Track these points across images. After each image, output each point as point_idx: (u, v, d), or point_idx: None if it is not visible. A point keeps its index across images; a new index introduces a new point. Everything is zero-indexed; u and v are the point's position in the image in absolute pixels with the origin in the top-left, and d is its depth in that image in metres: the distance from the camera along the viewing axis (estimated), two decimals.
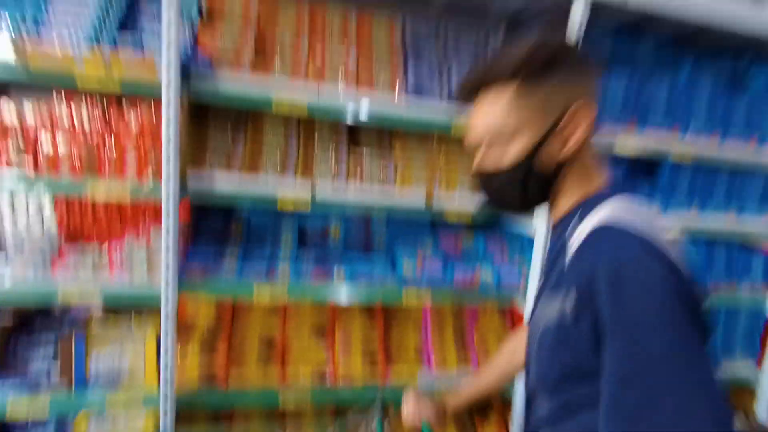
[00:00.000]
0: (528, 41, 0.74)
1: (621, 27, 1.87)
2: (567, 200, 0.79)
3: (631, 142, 1.74)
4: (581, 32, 1.58)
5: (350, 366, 1.72)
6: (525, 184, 0.77)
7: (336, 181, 1.66)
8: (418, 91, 1.67)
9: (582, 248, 0.70)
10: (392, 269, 1.74)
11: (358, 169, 1.71)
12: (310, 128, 1.75)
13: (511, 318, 2.00)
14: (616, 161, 1.85)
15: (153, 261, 1.54)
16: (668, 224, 0.72)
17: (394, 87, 1.65)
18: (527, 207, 0.83)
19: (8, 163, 1.41)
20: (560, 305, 0.69)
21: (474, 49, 1.87)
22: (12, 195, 1.61)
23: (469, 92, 0.79)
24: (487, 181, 0.82)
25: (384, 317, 1.86)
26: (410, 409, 1.12)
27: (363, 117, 1.57)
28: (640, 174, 1.96)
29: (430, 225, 2.03)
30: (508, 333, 1.94)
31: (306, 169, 1.66)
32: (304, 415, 1.82)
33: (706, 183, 1.96)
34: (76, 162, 1.45)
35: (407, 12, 1.96)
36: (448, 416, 1.14)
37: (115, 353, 1.57)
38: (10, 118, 1.43)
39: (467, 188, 1.76)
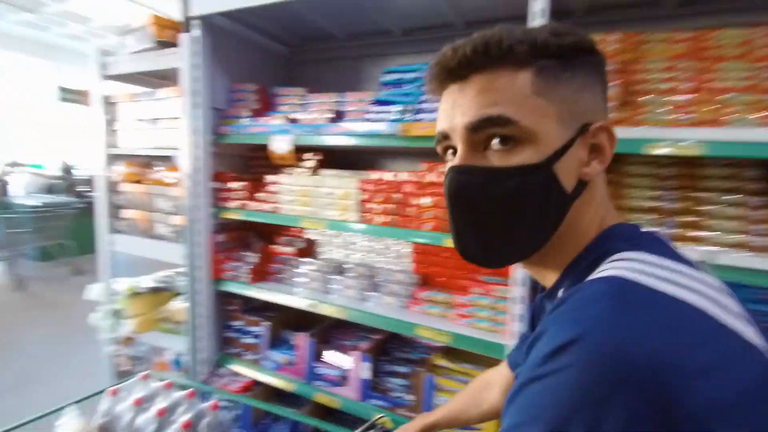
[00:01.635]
0: (545, 25, 0.56)
1: None
2: (574, 243, 0.58)
3: None
4: None
5: None
6: (547, 194, 0.54)
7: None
8: None
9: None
10: None
11: None
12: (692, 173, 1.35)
13: None
14: None
15: (495, 313, 1.57)
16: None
17: None
18: (530, 239, 0.57)
19: (387, 215, 1.70)
20: None
21: None
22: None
23: (455, 72, 0.56)
24: (487, 182, 0.55)
25: None
26: None
27: None
28: None
29: None
30: None
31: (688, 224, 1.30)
32: None
33: None
34: (437, 218, 1.62)
35: None
36: None
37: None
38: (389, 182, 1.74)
39: None
